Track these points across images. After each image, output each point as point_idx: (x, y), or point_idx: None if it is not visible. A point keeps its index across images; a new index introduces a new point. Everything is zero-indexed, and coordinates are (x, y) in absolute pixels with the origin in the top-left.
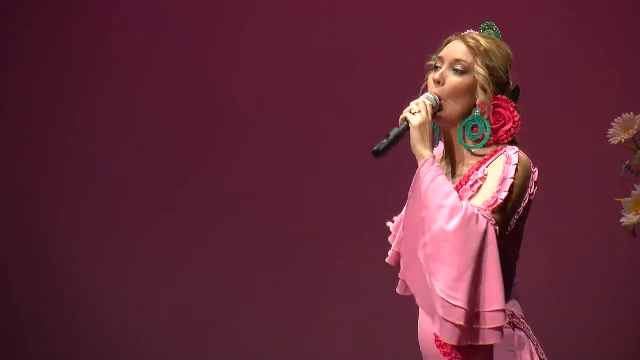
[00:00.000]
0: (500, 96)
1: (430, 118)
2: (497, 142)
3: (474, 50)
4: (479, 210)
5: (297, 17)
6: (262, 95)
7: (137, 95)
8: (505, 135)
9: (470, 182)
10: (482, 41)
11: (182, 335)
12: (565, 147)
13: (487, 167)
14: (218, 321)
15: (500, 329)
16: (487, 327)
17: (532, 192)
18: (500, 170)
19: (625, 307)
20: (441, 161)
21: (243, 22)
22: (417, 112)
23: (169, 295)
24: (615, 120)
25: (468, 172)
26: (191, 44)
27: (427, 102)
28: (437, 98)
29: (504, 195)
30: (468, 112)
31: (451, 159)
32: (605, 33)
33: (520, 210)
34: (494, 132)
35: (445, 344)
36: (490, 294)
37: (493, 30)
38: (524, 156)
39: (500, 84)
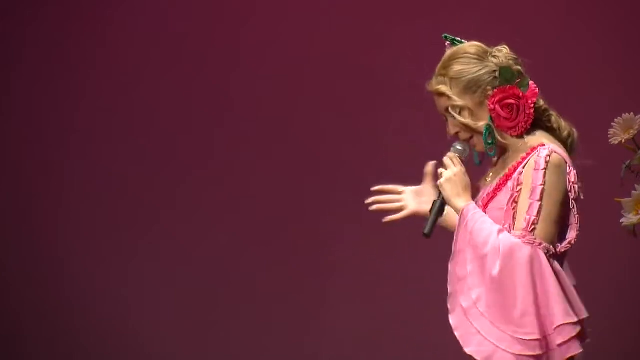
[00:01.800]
0: (495, 91)
1: (459, 167)
2: (526, 128)
3: (442, 93)
4: (520, 238)
5: (297, 17)
6: (261, 95)
7: (137, 95)
8: (525, 118)
9: (509, 186)
10: (444, 71)
11: (182, 335)
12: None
13: (523, 167)
14: (218, 321)
15: (570, 341)
16: (557, 344)
17: (573, 196)
18: (530, 179)
19: (625, 307)
20: (498, 170)
21: (243, 21)
22: (443, 172)
23: (169, 295)
24: (616, 120)
25: (508, 170)
26: (191, 44)
27: (452, 155)
28: (463, 144)
29: (536, 209)
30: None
31: (501, 165)
32: (604, 32)
33: (571, 217)
34: (514, 125)
35: None
36: (553, 313)
37: (450, 40)
38: (556, 157)
39: (489, 80)
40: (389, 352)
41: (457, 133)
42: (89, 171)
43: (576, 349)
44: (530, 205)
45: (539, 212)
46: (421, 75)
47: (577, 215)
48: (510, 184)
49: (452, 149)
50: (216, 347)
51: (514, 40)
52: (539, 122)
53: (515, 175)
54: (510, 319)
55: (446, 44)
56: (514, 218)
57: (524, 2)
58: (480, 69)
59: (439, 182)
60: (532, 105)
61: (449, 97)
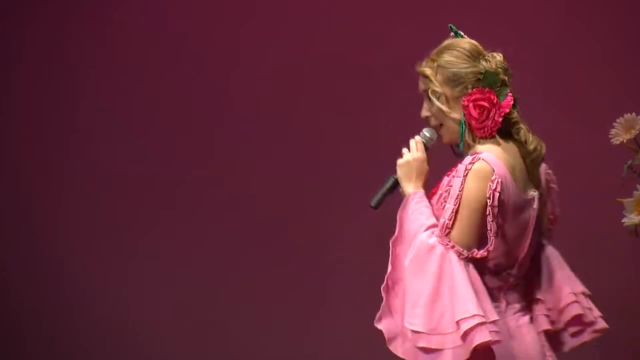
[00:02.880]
0: (475, 90)
1: (420, 154)
2: (490, 134)
3: (427, 77)
4: (437, 237)
5: (297, 16)
6: (261, 95)
7: (136, 95)
8: (492, 124)
9: (440, 191)
10: (435, 57)
11: (182, 335)
12: (566, 147)
13: (454, 174)
14: (218, 321)
15: (473, 335)
16: (449, 347)
17: (493, 203)
18: (453, 184)
19: (625, 307)
20: None
21: (243, 21)
22: (405, 154)
23: (169, 295)
24: (617, 120)
25: (447, 174)
26: (190, 44)
27: (418, 139)
28: (432, 132)
29: (450, 213)
30: (459, 124)
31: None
32: (604, 32)
33: (489, 223)
34: (481, 126)
35: None
36: (455, 310)
37: (453, 31)
38: (479, 165)
39: (472, 80)
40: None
41: (427, 118)
42: (88, 171)
43: (479, 340)
44: (447, 209)
45: (454, 217)
46: (418, 75)
47: (492, 223)
48: (438, 194)
49: (420, 133)
50: (216, 347)
51: (514, 40)
52: (509, 133)
53: (445, 183)
54: (408, 309)
55: (450, 34)
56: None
57: (524, 2)
58: (468, 67)
59: (398, 161)
60: (503, 114)
61: (431, 81)
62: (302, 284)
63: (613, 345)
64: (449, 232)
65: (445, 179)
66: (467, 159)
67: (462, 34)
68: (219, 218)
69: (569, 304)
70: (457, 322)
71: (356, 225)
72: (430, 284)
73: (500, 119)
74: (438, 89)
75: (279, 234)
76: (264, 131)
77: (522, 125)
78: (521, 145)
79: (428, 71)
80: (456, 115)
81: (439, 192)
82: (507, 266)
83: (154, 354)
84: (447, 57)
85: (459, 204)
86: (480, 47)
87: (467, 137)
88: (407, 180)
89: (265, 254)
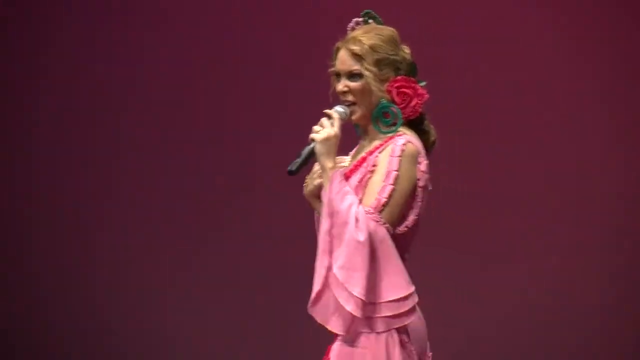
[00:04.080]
0: (400, 77)
1: (336, 130)
2: (407, 119)
3: (359, 55)
4: (367, 214)
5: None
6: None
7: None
8: (412, 111)
9: (362, 169)
10: (365, 39)
11: (182, 335)
12: (566, 149)
13: (380, 153)
14: (219, 321)
15: (397, 316)
16: (382, 315)
17: (421, 184)
18: (386, 163)
19: (626, 307)
20: (355, 155)
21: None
22: (321, 130)
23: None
24: None
25: (365, 153)
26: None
27: (336, 116)
28: (346, 108)
29: (387, 192)
30: (377, 103)
31: (370, 143)
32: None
33: (414, 203)
34: (402, 110)
35: None
36: (386, 286)
37: (371, 16)
38: (411, 147)
39: (395, 67)
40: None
41: (344, 93)
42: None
43: (401, 322)
44: (384, 187)
45: (390, 195)
46: None
47: (420, 203)
48: (364, 166)
49: (334, 110)
50: (216, 347)
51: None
52: (411, 122)
53: (372, 158)
54: (355, 280)
55: (361, 20)
56: (362, 196)
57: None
58: (395, 54)
59: (317, 135)
60: (422, 104)
61: (364, 60)
62: (303, 285)
63: (615, 341)
64: (382, 210)
65: (370, 159)
66: (399, 140)
67: (380, 19)
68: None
69: None
70: (400, 299)
71: None
72: (368, 259)
73: (420, 108)
74: (372, 69)
75: (279, 233)
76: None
77: (426, 118)
78: (423, 134)
79: (360, 50)
80: (380, 96)
81: (361, 170)
82: (409, 247)
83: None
84: (376, 41)
85: (396, 184)
86: (398, 36)
87: (381, 121)
88: (327, 156)
89: (266, 254)
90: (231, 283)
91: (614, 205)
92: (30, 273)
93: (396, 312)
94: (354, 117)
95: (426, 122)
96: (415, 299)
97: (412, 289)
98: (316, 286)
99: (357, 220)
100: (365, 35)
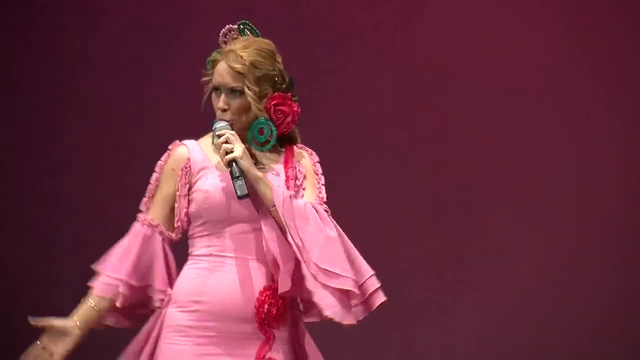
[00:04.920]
0: (277, 94)
1: (241, 144)
2: (281, 133)
3: (241, 73)
4: (320, 206)
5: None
6: None
7: None
8: (287, 127)
9: (296, 180)
10: (245, 54)
11: None
12: (568, 149)
13: (298, 161)
14: None
15: (378, 291)
16: (369, 292)
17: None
18: (312, 167)
19: (627, 307)
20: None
21: None
22: (232, 147)
23: None
24: None
25: (280, 165)
26: None
27: (232, 132)
28: (227, 124)
29: (324, 190)
30: (254, 119)
31: (250, 153)
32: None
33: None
34: (278, 127)
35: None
36: (361, 265)
37: (249, 28)
38: None
39: (273, 82)
40: (391, 352)
41: (224, 110)
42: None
43: (382, 298)
44: (322, 188)
45: (324, 194)
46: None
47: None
48: (295, 182)
49: (221, 126)
50: None
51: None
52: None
53: (300, 170)
54: (344, 265)
55: (235, 28)
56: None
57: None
58: (273, 69)
59: (235, 155)
60: (295, 120)
61: (246, 78)
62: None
63: (613, 345)
64: (325, 202)
65: (297, 165)
66: (306, 149)
67: (257, 30)
68: None
69: None
70: (368, 278)
71: (357, 225)
72: (340, 241)
73: (294, 124)
74: (254, 87)
75: None
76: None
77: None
78: (292, 140)
79: (243, 69)
80: (260, 113)
81: (292, 176)
82: None
83: None
84: (256, 57)
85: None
86: (274, 48)
87: (255, 138)
88: (253, 167)
89: None
90: None
91: (615, 205)
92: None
93: (376, 286)
94: (235, 130)
95: (294, 129)
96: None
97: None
98: (314, 293)
99: (321, 218)
100: (245, 51)
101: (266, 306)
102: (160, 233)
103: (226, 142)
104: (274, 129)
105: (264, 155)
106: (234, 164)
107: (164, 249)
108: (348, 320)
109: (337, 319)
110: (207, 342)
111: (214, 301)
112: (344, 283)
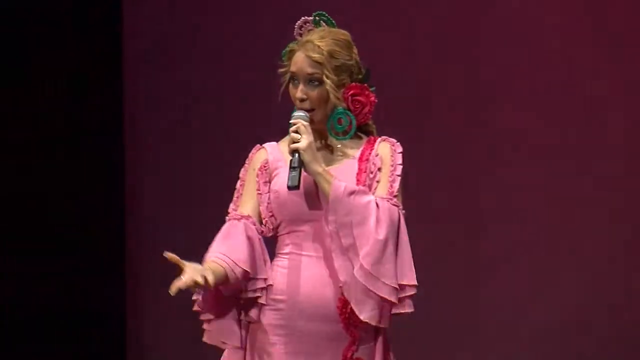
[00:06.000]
0: (354, 84)
1: (312, 135)
2: (358, 124)
3: (319, 62)
4: (388, 201)
5: None
6: None
7: None
8: (364, 118)
9: (370, 172)
10: (323, 44)
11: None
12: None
13: (375, 154)
14: None
15: (405, 300)
16: (405, 295)
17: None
18: (390, 157)
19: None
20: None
21: None
22: (300, 138)
23: None
24: None
25: (356, 157)
26: None
27: (305, 123)
28: (305, 114)
29: (398, 181)
30: (332, 109)
31: (325, 147)
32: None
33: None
34: (355, 117)
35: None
36: (402, 271)
37: (324, 19)
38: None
39: (350, 72)
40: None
41: (302, 100)
42: None
43: (409, 308)
44: (396, 180)
45: (399, 185)
46: None
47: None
48: (369, 174)
49: (297, 116)
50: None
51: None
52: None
53: (373, 162)
54: (392, 271)
55: (310, 19)
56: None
57: None
58: (350, 59)
59: (300, 145)
60: (372, 110)
61: (325, 68)
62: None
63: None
64: (397, 197)
65: (372, 158)
66: (390, 140)
67: (333, 21)
68: None
69: None
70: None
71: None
72: (395, 245)
73: (370, 115)
74: (333, 77)
75: None
76: None
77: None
78: (367, 134)
79: (321, 59)
80: (338, 102)
81: (365, 168)
82: None
83: None
84: (333, 46)
85: (401, 175)
86: (351, 38)
87: (335, 127)
88: (314, 161)
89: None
90: None
91: None
92: None
93: (407, 294)
94: (314, 121)
95: (371, 122)
96: (413, 291)
97: (413, 281)
98: (353, 293)
99: (377, 218)
100: (323, 40)
101: (349, 306)
102: (253, 223)
103: (296, 131)
104: (353, 118)
105: (343, 145)
106: (296, 154)
107: (258, 238)
108: (383, 324)
109: (373, 322)
110: (293, 341)
111: (296, 300)
112: (381, 289)
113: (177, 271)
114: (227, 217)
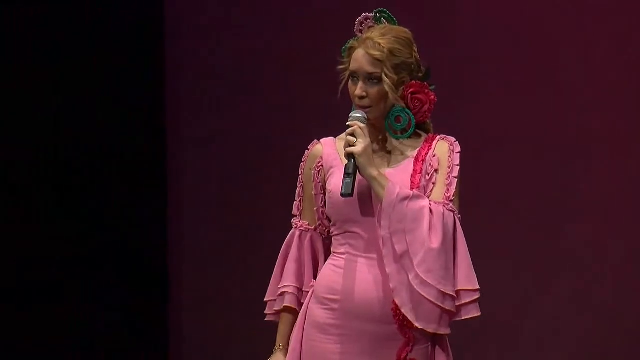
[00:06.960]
0: (414, 82)
1: (368, 138)
2: (417, 122)
3: (379, 60)
4: (443, 207)
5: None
6: None
7: None
8: (423, 116)
9: (426, 174)
10: (383, 42)
11: None
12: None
13: (433, 154)
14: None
15: (468, 305)
16: (463, 302)
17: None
18: (447, 158)
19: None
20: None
21: None
22: (356, 142)
23: None
24: None
25: (412, 157)
26: None
27: (362, 125)
28: (362, 113)
29: (455, 184)
30: (391, 107)
31: (382, 146)
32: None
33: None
34: (414, 115)
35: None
36: (459, 276)
37: (385, 16)
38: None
39: (410, 70)
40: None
41: (362, 98)
42: None
43: (475, 312)
44: (452, 182)
45: (455, 188)
46: None
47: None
48: (425, 174)
49: (354, 117)
50: (217, 348)
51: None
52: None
53: (430, 162)
54: (448, 279)
55: (371, 16)
56: (426, 191)
57: None
58: (410, 57)
59: (355, 149)
60: (432, 108)
61: (385, 66)
62: None
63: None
64: (452, 200)
65: (428, 159)
66: (448, 138)
67: (395, 19)
68: None
69: None
70: (457, 291)
71: None
72: (452, 250)
73: (430, 113)
74: (392, 75)
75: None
76: None
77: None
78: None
79: (382, 56)
80: (397, 101)
81: (420, 169)
82: None
83: None
84: (394, 44)
85: (457, 177)
86: (412, 37)
87: (393, 125)
88: (370, 165)
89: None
90: None
91: None
92: None
93: (471, 299)
94: (371, 120)
95: (429, 121)
96: (475, 296)
97: (475, 286)
98: (407, 300)
99: (431, 225)
100: (384, 38)
101: None
102: (318, 235)
103: (352, 134)
104: (412, 117)
105: (401, 144)
106: (351, 160)
107: (322, 248)
108: (441, 331)
109: (430, 330)
110: (348, 340)
111: (351, 300)
112: (436, 296)
113: None
114: (292, 222)
